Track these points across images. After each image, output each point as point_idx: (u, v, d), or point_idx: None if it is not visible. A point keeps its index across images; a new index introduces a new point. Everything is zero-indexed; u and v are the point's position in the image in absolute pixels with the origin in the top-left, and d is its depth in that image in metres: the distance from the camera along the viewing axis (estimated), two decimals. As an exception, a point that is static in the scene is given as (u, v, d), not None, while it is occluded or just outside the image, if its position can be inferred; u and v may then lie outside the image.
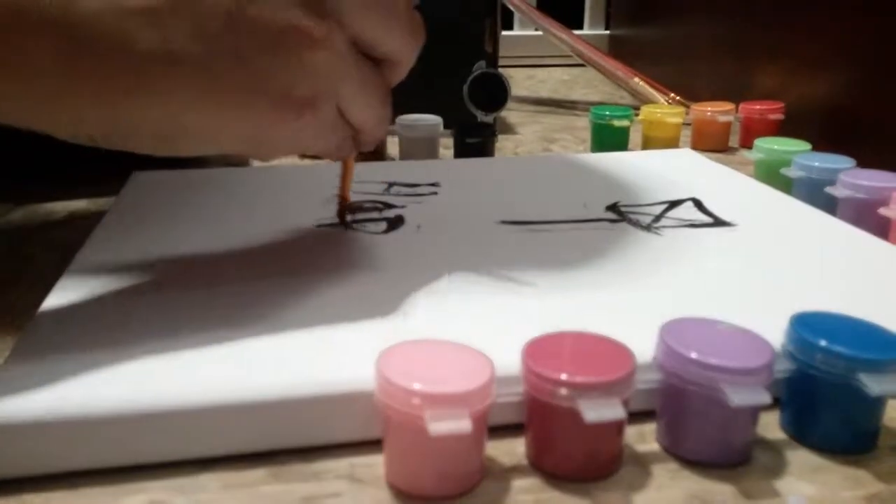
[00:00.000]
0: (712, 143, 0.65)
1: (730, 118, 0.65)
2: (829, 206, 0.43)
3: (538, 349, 0.24)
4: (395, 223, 0.40)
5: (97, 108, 0.26)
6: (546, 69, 1.12)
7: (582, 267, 0.35)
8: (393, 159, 0.60)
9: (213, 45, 0.26)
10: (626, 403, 0.23)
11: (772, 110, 0.64)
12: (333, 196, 0.40)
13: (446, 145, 0.60)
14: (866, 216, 0.41)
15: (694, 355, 0.24)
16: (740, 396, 0.23)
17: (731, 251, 0.37)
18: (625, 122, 0.63)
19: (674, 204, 0.43)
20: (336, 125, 0.30)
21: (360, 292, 0.32)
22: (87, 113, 0.26)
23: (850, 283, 0.33)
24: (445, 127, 0.59)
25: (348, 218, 0.40)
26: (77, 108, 0.26)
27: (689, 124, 0.66)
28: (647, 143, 0.65)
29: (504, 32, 0.90)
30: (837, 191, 0.43)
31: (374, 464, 0.24)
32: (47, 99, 0.25)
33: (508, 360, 0.24)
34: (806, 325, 0.26)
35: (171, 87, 0.26)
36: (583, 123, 0.64)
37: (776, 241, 0.38)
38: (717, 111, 0.64)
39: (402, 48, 0.30)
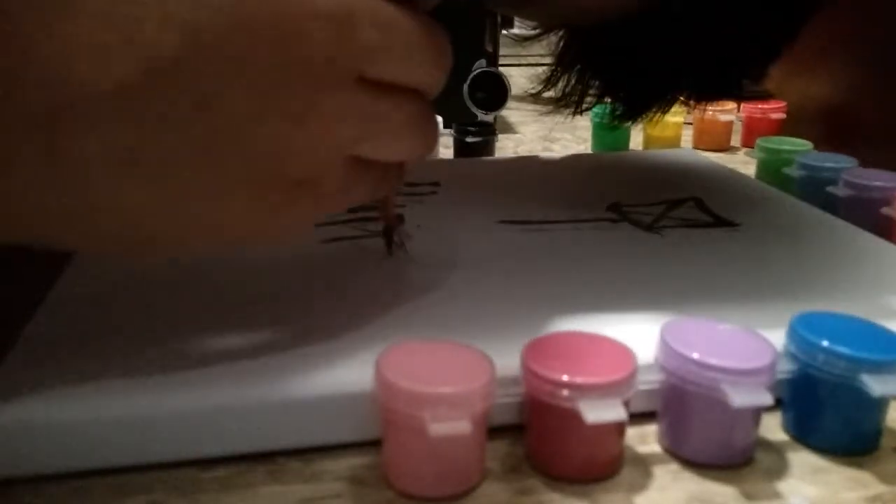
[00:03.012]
0: (714, 142, 0.65)
1: (731, 118, 0.64)
2: (831, 205, 0.43)
3: (538, 350, 0.24)
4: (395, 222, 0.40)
5: (45, 219, 0.21)
6: (544, 69, 1.11)
7: (582, 267, 0.35)
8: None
9: (170, 138, 0.21)
10: (626, 404, 0.23)
11: (773, 110, 0.64)
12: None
13: (446, 145, 0.60)
14: (868, 216, 0.41)
15: (695, 356, 0.24)
16: (741, 397, 0.23)
17: (733, 251, 0.37)
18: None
19: (675, 204, 0.43)
20: (355, 180, 0.25)
21: (360, 292, 0.32)
22: (34, 223, 0.22)
23: (851, 282, 0.33)
24: (445, 127, 0.59)
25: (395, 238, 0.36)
26: (20, 218, 0.21)
27: (690, 124, 0.66)
28: (649, 143, 0.65)
29: (504, 31, 0.90)
30: (839, 190, 0.43)
31: (374, 465, 0.24)
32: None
33: (508, 360, 0.24)
34: (808, 325, 0.25)
35: (120, 195, 0.21)
36: (583, 123, 0.64)
37: (778, 241, 0.38)
38: (719, 110, 0.64)
39: (426, 79, 0.25)
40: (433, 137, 0.26)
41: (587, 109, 0.47)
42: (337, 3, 0.22)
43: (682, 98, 0.44)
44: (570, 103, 0.47)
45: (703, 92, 0.44)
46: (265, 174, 0.23)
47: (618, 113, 0.46)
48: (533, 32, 0.46)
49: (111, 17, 0.20)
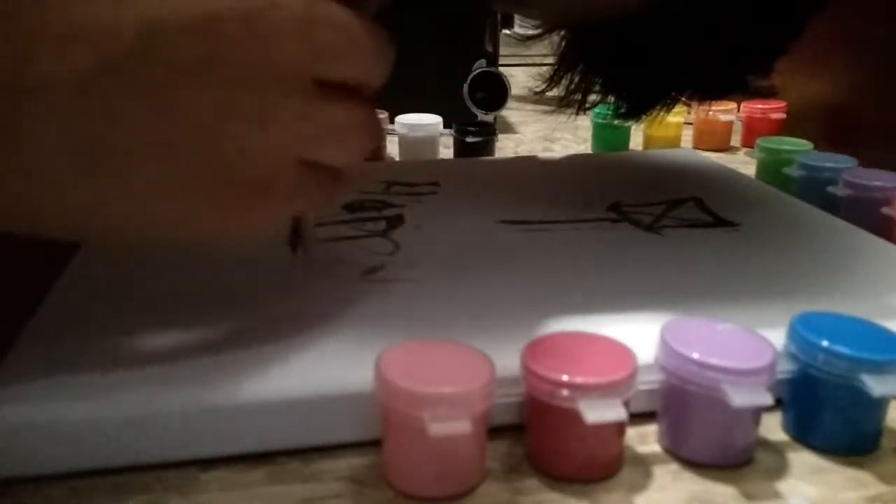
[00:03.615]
0: (714, 142, 0.65)
1: (731, 117, 0.64)
2: (831, 205, 0.43)
3: (538, 350, 0.24)
4: (395, 222, 0.40)
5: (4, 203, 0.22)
6: (547, 68, 1.11)
7: (582, 267, 0.35)
8: (393, 159, 0.60)
9: (126, 132, 0.21)
10: (626, 404, 0.23)
11: (773, 109, 0.64)
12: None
13: (446, 145, 0.60)
14: (868, 216, 0.41)
15: (695, 356, 0.24)
16: (742, 397, 0.23)
17: (733, 251, 0.37)
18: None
19: (675, 204, 0.43)
20: (305, 183, 0.25)
21: (360, 292, 0.32)
22: None
23: (851, 282, 0.33)
24: (445, 127, 0.59)
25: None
26: None
27: (690, 124, 0.66)
28: (649, 143, 0.65)
29: (504, 31, 0.90)
30: (839, 190, 0.43)
31: (374, 465, 0.24)
32: None
33: (508, 360, 0.24)
34: (807, 325, 0.25)
35: (77, 184, 0.22)
36: (583, 123, 0.64)
37: (778, 241, 0.38)
38: (719, 110, 0.64)
39: (371, 78, 0.25)
40: (377, 136, 0.27)
41: (591, 108, 0.47)
42: (300, 3, 0.22)
43: (687, 95, 0.44)
44: (573, 102, 0.46)
45: (708, 89, 0.43)
46: (220, 174, 0.23)
47: (621, 111, 0.45)
48: (535, 32, 0.46)
49: (69, 11, 0.20)
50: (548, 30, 0.45)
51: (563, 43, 0.45)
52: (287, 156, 0.23)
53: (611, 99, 0.46)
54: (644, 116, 0.45)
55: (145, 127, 0.21)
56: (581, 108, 0.47)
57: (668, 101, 0.44)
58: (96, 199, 0.22)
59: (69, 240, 0.25)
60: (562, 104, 0.47)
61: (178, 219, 0.23)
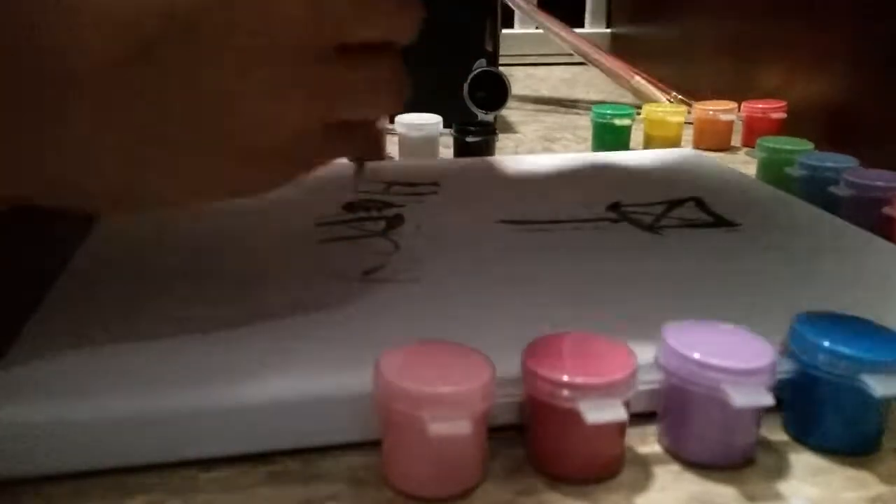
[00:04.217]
0: (714, 142, 0.65)
1: (732, 117, 0.64)
2: (832, 205, 0.43)
3: (538, 350, 0.24)
4: (395, 222, 0.40)
5: (31, 173, 0.23)
6: (547, 67, 1.11)
7: (582, 267, 0.34)
8: (393, 159, 0.60)
9: (160, 110, 0.23)
10: (627, 404, 0.23)
11: (774, 109, 0.64)
12: (336, 192, 0.39)
13: (446, 145, 0.60)
14: (869, 216, 0.41)
15: (696, 356, 0.24)
16: (742, 397, 0.23)
17: (734, 251, 0.37)
18: (626, 121, 0.63)
19: (675, 203, 0.43)
20: (332, 141, 0.26)
21: (360, 292, 0.32)
22: (20, 175, 0.23)
23: (853, 282, 0.33)
24: (445, 126, 0.59)
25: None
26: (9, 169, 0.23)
27: (690, 123, 0.66)
28: (649, 143, 0.65)
29: (504, 31, 0.90)
30: (840, 190, 0.43)
31: (374, 465, 0.24)
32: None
33: (509, 360, 0.24)
34: (809, 325, 0.25)
35: (116, 159, 0.23)
36: (584, 122, 0.64)
37: (779, 241, 0.38)
38: (720, 110, 0.64)
39: (398, 33, 0.26)
40: (404, 89, 0.27)
41: None
42: None
43: None
44: None
45: None
46: (242, 143, 0.24)
47: None
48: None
49: (98, 3, 0.21)
50: None
51: None
52: (307, 121, 0.25)
53: None
54: None
55: (173, 102, 0.23)
56: None
57: None
58: (136, 167, 0.24)
59: (107, 210, 0.28)
60: None
61: (209, 183, 0.25)
